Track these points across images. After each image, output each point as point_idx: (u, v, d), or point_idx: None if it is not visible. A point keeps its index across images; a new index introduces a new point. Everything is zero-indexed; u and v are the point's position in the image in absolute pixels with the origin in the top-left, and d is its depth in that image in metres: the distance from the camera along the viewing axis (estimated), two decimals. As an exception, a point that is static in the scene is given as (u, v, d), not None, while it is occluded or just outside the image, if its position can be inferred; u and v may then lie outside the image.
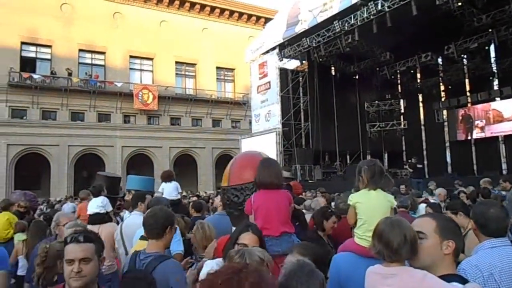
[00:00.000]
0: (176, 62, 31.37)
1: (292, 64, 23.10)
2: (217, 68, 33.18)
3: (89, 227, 5.10)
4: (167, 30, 30.69)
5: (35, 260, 2.89)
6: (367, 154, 23.22)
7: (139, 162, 28.26)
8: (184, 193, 13.01)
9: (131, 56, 29.67)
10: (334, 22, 17.03)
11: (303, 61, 22.35)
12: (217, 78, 33.28)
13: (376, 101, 23.39)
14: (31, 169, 25.91)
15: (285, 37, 19.97)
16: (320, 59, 20.16)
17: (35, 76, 25.85)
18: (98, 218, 5.20)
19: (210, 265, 2.37)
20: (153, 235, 2.53)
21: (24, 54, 26.37)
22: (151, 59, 30.49)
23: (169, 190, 6.84)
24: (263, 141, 20.68)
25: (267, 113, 21.51)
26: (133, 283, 1.89)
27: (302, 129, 21.39)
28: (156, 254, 2.45)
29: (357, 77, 23.67)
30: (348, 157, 22.88)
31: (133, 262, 2.42)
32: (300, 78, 21.91)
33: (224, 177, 3.39)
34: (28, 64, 26.39)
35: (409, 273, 1.80)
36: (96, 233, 2.08)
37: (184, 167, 28.69)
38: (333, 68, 22.74)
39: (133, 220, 4.16)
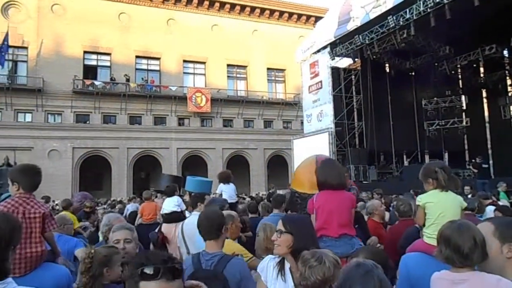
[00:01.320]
0: (228, 65, 31.95)
1: (344, 62, 22.61)
2: (268, 69, 33.35)
3: (165, 225, 5.35)
4: (218, 34, 31.33)
5: (79, 267, 2.35)
6: (426, 154, 22.25)
7: (193, 163, 29.05)
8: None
9: (184, 61, 30.60)
10: (388, 18, 16.47)
11: (356, 59, 21.80)
12: (268, 79, 33.46)
13: (435, 98, 22.23)
14: (93, 170, 27.56)
15: (336, 35, 19.62)
16: (374, 56, 19.57)
17: (96, 82, 27.47)
18: (175, 217, 5.44)
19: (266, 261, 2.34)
20: (211, 236, 2.57)
21: (86, 62, 28.11)
22: (203, 63, 31.27)
23: (229, 192, 6.77)
24: (316, 141, 20.46)
25: (319, 113, 21.23)
26: (208, 283, 1.86)
27: (356, 128, 20.93)
28: (220, 254, 2.48)
29: (413, 73, 22.72)
30: (404, 157, 22.04)
31: (197, 262, 2.44)
32: (353, 77, 21.47)
33: (301, 182, 3.42)
34: (90, 72, 28.10)
35: (481, 278, 1.73)
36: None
37: (236, 168, 29.10)
38: (387, 65, 22.03)
39: (193, 220, 4.27)
